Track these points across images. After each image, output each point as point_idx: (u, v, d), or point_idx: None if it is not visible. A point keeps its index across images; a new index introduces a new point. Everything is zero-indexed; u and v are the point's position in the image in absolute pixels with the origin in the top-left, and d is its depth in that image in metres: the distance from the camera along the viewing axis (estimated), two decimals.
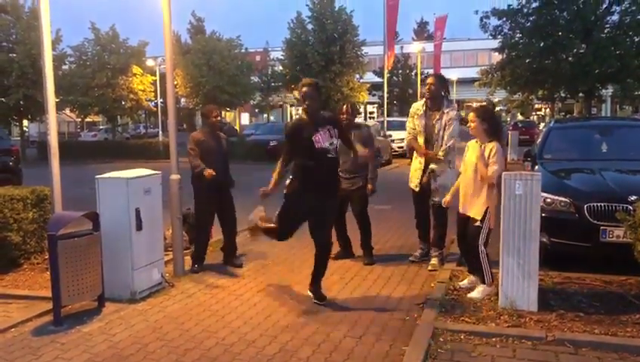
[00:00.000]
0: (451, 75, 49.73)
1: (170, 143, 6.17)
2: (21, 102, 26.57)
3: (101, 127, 49.69)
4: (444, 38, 41.91)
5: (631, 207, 5.18)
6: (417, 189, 6.26)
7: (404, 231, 8.02)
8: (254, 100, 44.60)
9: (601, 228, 5.57)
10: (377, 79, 38.89)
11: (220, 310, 4.98)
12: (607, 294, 5.01)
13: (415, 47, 37.50)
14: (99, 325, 4.66)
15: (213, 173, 6.07)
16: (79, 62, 31.10)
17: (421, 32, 59.15)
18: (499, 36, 25.22)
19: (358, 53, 30.93)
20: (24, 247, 6.25)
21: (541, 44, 23.45)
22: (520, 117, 49.08)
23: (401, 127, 24.31)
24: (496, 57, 28.03)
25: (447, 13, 38.37)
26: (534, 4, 23.79)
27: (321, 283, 5.18)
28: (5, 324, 4.64)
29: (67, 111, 35.30)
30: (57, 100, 11.35)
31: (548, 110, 44.74)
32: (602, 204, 5.60)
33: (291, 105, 51.51)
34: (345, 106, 6.42)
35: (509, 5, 24.41)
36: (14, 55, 25.91)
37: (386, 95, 27.83)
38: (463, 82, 50.01)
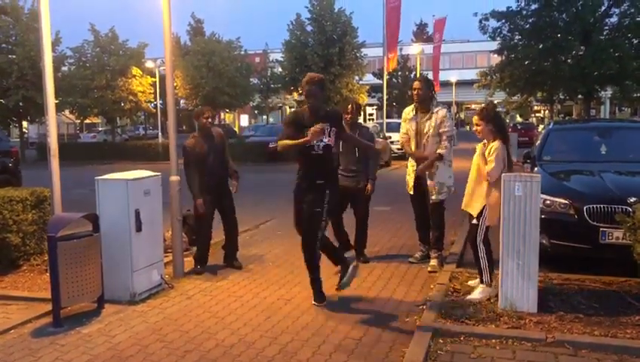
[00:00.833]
0: (450, 76, 49.95)
1: (170, 145, 6.18)
2: (20, 104, 26.62)
3: (100, 128, 49.73)
4: (444, 40, 42.00)
5: (630, 209, 5.18)
6: (411, 192, 6.34)
7: (404, 233, 8.02)
8: (254, 102, 44.66)
9: (601, 229, 5.57)
10: (377, 81, 38.93)
11: (220, 311, 4.98)
12: (606, 295, 5.01)
13: (414, 49, 37.60)
14: (98, 326, 4.66)
15: (203, 205, 6.19)
16: (79, 64, 31.12)
17: (420, 33, 59.26)
18: (498, 38, 25.29)
19: (358, 54, 30.98)
20: (24, 249, 6.25)
21: (540, 46, 23.51)
22: (519, 119, 49.14)
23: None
24: (496, 59, 28.11)
25: (446, 15, 38.51)
26: (533, 6, 23.87)
27: (320, 285, 5.18)
28: (5, 326, 4.64)
29: (66, 112, 35.36)
30: (57, 102, 11.38)
31: (547, 112, 44.77)
32: (601, 206, 5.60)
33: (290, 107, 51.56)
34: (350, 106, 6.43)
35: (508, 7, 24.46)
36: (14, 56, 25.97)
37: (385, 97, 27.85)
38: (462, 84, 50.12)
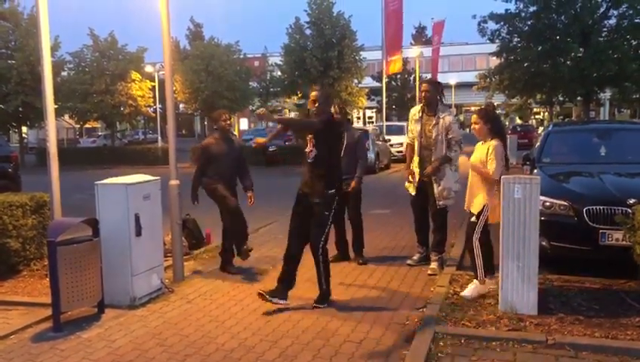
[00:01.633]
0: (449, 79, 49.96)
1: (170, 149, 6.19)
2: (20, 109, 26.62)
3: (100, 133, 49.70)
4: (442, 43, 42.04)
5: (630, 210, 5.18)
6: (414, 192, 6.34)
7: (404, 235, 8.02)
8: (253, 105, 44.66)
9: (600, 231, 5.57)
10: (376, 84, 38.98)
11: (220, 315, 4.97)
12: (607, 297, 5.01)
13: (413, 52, 37.63)
14: (98, 331, 4.65)
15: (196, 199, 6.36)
16: (78, 69, 31.11)
17: (419, 36, 59.21)
18: (497, 40, 25.30)
19: (357, 58, 30.97)
20: (23, 254, 6.24)
21: (539, 48, 23.52)
22: (519, 121, 49.17)
23: (400, 131, 24.46)
24: (495, 61, 28.12)
25: (445, 17, 38.52)
26: (532, 9, 23.88)
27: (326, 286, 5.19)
28: (5, 331, 4.63)
29: (66, 117, 35.30)
30: (56, 107, 11.32)
31: (546, 114, 44.81)
32: (601, 208, 5.60)
33: (290, 111, 51.57)
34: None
35: (506, 9, 24.50)
36: (13, 62, 25.98)
37: (384, 100, 27.85)
38: (461, 86, 50.15)
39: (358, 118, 55.85)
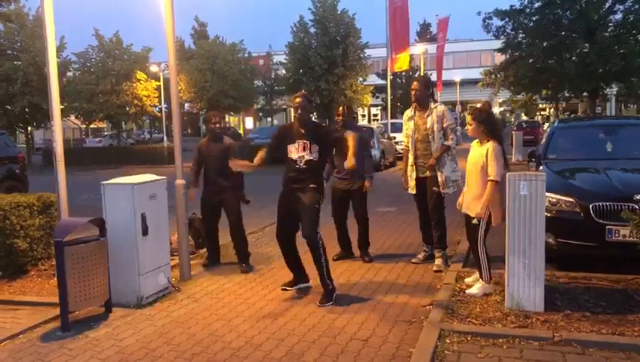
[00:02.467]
0: (454, 76, 49.86)
1: (175, 148, 6.20)
2: (26, 110, 26.77)
3: (106, 133, 49.90)
4: (447, 40, 41.87)
5: (636, 206, 5.17)
6: (413, 192, 6.37)
7: (409, 233, 8.02)
8: (258, 104, 44.74)
9: (607, 227, 5.55)
10: (381, 81, 38.91)
11: (227, 314, 4.99)
12: (613, 294, 4.99)
13: (418, 49, 37.51)
14: (106, 330, 4.68)
15: (193, 196, 6.56)
16: (83, 69, 31.28)
17: (424, 33, 59.13)
18: (502, 37, 25.21)
19: (361, 55, 30.96)
20: (31, 254, 6.28)
21: (544, 44, 23.40)
22: (524, 117, 49.02)
23: None
24: (500, 58, 28.02)
25: (449, 14, 38.38)
26: (537, 4, 23.77)
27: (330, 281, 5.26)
28: (14, 330, 4.67)
29: (72, 117, 35.50)
30: (62, 107, 11.41)
31: (552, 110, 44.64)
32: (608, 204, 5.58)
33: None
34: (340, 108, 6.68)
35: (511, 6, 24.39)
36: (19, 63, 26.13)
37: (389, 97, 27.82)
38: (466, 83, 50.00)
39: (363, 116, 55.81)
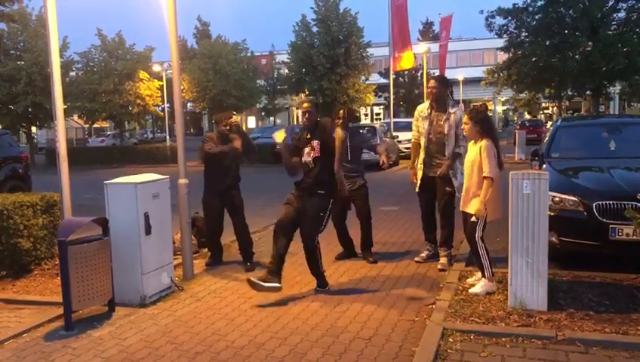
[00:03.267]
0: (457, 74, 49.70)
1: (178, 148, 6.21)
2: (29, 109, 26.80)
3: (109, 132, 50.00)
4: (450, 38, 41.81)
5: None
6: (417, 190, 6.36)
7: (413, 232, 8.01)
8: (260, 104, 44.71)
9: (610, 226, 5.53)
10: (383, 80, 38.86)
11: (230, 313, 4.99)
12: (617, 293, 4.98)
13: (421, 48, 37.44)
14: (109, 329, 4.69)
15: (239, 144, 6.50)
16: (86, 69, 31.33)
17: (426, 32, 58.95)
18: (505, 35, 25.19)
19: (364, 54, 30.94)
20: (35, 253, 6.29)
21: (547, 43, 23.40)
22: (527, 116, 48.94)
23: (408, 127, 24.14)
24: (503, 56, 27.99)
25: (452, 13, 38.26)
26: (540, 3, 23.74)
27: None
28: (17, 329, 4.68)
29: (75, 117, 35.57)
30: (65, 107, 11.36)
31: (555, 108, 44.56)
32: (611, 202, 5.57)
33: (297, 108, 51.59)
34: (341, 111, 6.50)
35: (514, 4, 24.36)
36: (22, 63, 26.15)
37: (392, 96, 27.80)
38: (469, 82, 49.90)
39: (366, 115, 55.77)
